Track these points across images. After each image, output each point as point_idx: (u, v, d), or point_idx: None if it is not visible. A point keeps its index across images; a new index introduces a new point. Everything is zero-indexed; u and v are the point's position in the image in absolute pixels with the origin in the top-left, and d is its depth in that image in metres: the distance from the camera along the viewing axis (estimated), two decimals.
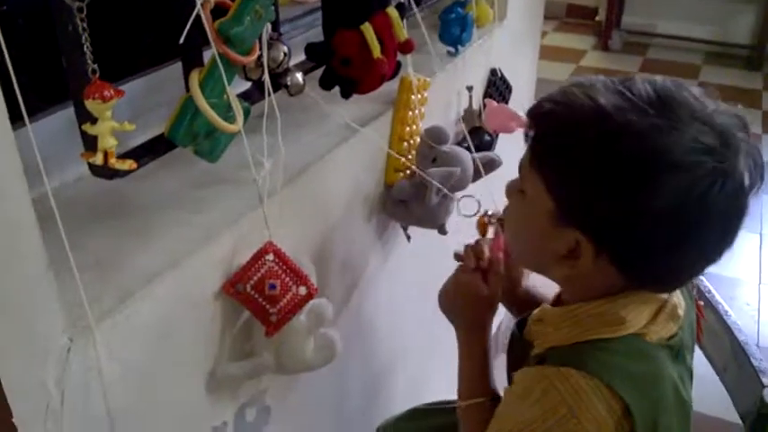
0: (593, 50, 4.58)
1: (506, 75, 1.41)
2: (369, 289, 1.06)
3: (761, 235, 2.62)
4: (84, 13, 0.49)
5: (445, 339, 1.37)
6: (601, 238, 0.68)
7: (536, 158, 0.71)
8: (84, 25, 0.50)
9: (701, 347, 1.01)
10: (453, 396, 1.07)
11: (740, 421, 0.96)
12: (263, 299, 0.70)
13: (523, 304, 0.93)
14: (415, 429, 1.17)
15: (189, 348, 0.68)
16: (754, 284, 2.34)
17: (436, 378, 1.45)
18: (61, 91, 0.68)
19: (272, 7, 0.63)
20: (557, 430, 0.69)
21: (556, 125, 0.69)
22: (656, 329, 0.74)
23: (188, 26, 0.56)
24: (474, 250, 0.89)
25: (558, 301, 0.85)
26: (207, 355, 0.71)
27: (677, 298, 0.77)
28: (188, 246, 0.66)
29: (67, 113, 0.74)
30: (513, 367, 0.86)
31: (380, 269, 1.09)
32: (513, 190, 0.78)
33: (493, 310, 0.90)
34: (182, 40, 0.56)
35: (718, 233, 0.67)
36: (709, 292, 1.05)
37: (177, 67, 0.81)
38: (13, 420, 0.48)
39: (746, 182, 0.65)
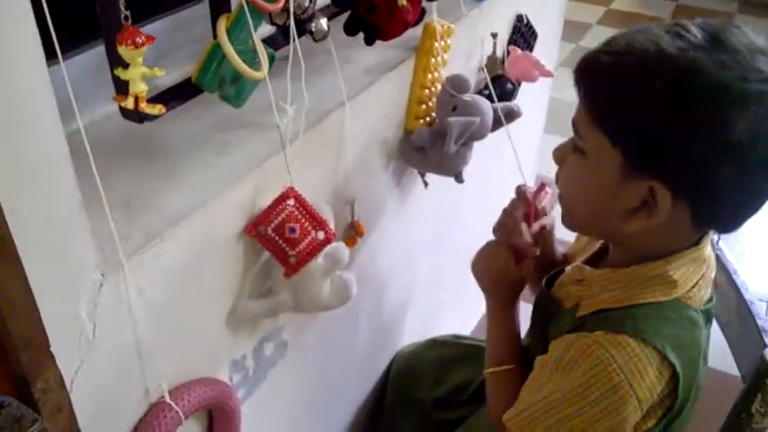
0: None
1: (532, 20, 1.39)
2: (384, 232, 1.08)
3: None
4: None
5: (454, 281, 1.42)
6: (678, 181, 0.68)
7: (596, 113, 0.70)
8: None
9: None
10: (462, 331, 1.11)
11: (738, 374, 0.98)
12: (284, 241, 0.72)
13: (546, 267, 0.95)
14: (434, 357, 1.22)
15: (212, 286, 0.72)
16: None
17: (445, 316, 1.49)
18: (88, 30, 0.70)
19: None
20: (607, 399, 0.71)
21: (619, 75, 0.68)
22: (698, 293, 0.76)
23: None
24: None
25: (596, 259, 0.86)
26: (229, 293, 0.74)
27: (713, 260, 0.79)
28: (213, 188, 0.68)
29: (95, 53, 0.75)
30: (540, 323, 0.88)
31: (396, 214, 1.11)
32: (565, 153, 0.77)
33: (520, 291, 0.92)
34: None
35: None
36: (720, 249, 1.07)
37: (200, 7, 0.82)
38: (51, 349, 0.51)
39: None
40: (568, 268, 0.86)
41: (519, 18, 1.34)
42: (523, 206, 0.90)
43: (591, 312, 0.77)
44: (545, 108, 1.89)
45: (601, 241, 0.86)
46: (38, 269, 0.48)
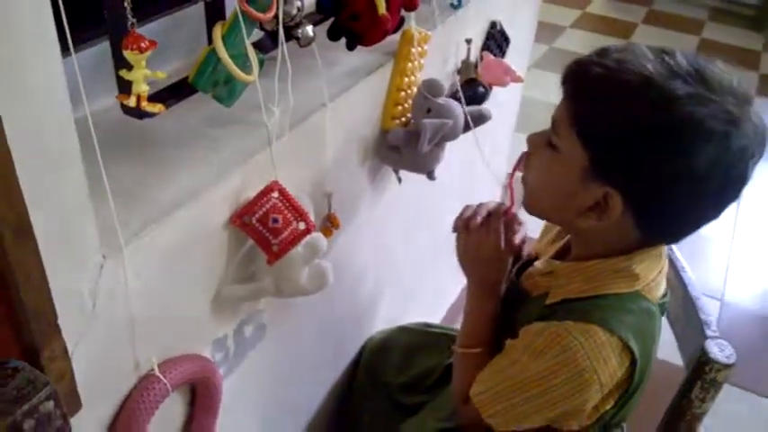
0: None
1: (506, 26, 1.46)
2: (359, 224, 1.15)
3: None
4: None
5: (424, 271, 1.49)
6: (632, 195, 0.74)
7: (576, 117, 0.76)
8: None
9: None
10: (431, 319, 1.17)
11: (683, 365, 1.07)
12: (267, 231, 0.78)
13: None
14: (403, 344, 1.28)
15: (199, 270, 0.77)
16: (726, 242, 2.45)
17: (415, 305, 1.57)
18: (84, 30, 0.74)
19: None
20: (572, 382, 0.77)
21: (605, 90, 0.73)
22: (656, 288, 0.84)
23: None
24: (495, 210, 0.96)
25: (562, 255, 0.93)
26: (214, 277, 0.80)
27: (666, 258, 0.87)
28: (203, 180, 0.74)
29: (91, 51, 0.80)
30: (507, 310, 0.95)
31: (371, 207, 1.18)
32: (540, 143, 0.82)
33: (507, 269, 0.97)
34: None
35: (729, 195, 0.75)
36: (671, 248, 1.15)
37: (193, 8, 0.88)
38: (58, 322, 0.57)
39: (755, 149, 0.73)
40: (538, 262, 0.93)
41: (493, 24, 1.41)
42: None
43: (559, 301, 0.84)
44: (517, 106, 1.97)
45: (565, 239, 0.94)
46: (49, 249, 0.54)
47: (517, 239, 0.97)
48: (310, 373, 1.20)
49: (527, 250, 1.06)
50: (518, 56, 1.67)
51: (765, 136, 0.74)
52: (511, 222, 0.97)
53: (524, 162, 0.87)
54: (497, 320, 0.97)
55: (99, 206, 0.61)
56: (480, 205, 0.98)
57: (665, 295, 0.87)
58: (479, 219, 0.96)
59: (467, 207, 0.99)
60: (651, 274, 0.83)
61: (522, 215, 0.97)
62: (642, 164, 0.72)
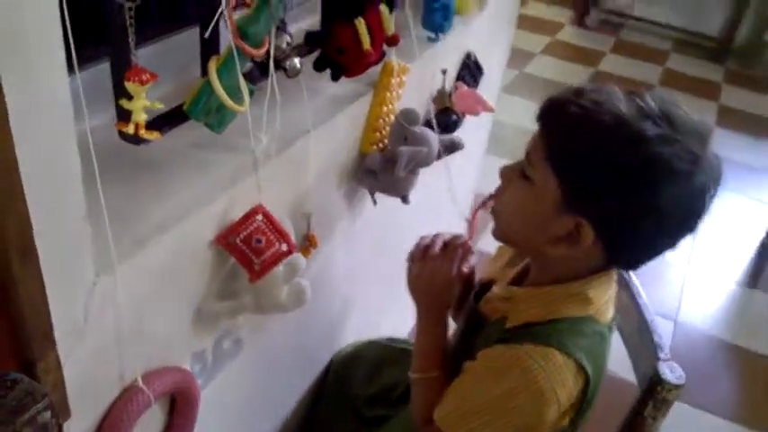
0: (569, 25, 4.68)
1: (480, 57, 1.53)
2: (335, 244, 1.19)
3: None
4: (133, 11, 0.60)
5: (394, 288, 1.54)
6: (603, 226, 0.80)
7: (553, 152, 0.80)
8: (132, 21, 0.60)
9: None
10: (399, 333, 1.21)
11: (636, 383, 1.13)
12: (250, 251, 0.82)
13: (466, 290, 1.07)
14: (370, 357, 1.32)
15: (183, 287, 0.81)
16: (682, 266, 2.55)
17: (384, 319, 1.62)
18: (87, 49, 0.78)
19: (283, 7, 0.73)
20: (534, 402, 0.81)
21: (581, 127, 0.78)
22: (606, 311, 0.89)
23: (212, 24, 0.67)
24: (451, 243, 1.01)
25: (518, 279, 0.97)
26: (197, 293, 0.83)
27: (615, 282, 0.93)
28: (192, 202, 0.78)
29: (87, 73, 0.84)
30: (467, 334, 0.99)
31: (347, 228, 1.22)
32: (513, 175, 0.87)
33: (455, 296, 1.03)
34: (207, 35, 0.67)
35: (688, 227, 0.81)
36: (627, 272, 1.21)
37: (182, 36, 0.92)
38: (55, 334, 0.60)
39: (714, 184, 0.79)
40: (495, 288, 0.99)
41: (468, 55, 1.48)
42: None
43: (518, 325, 0.88)
44: (488, 130, 2.03)
45: (521, 266, 0.99)
46: (49, 269, 0.57)
47: (465, 269, 1.03)
48: (282, 383, 1.24)
49: (478, 276, 1.11)
50: (491, 83, 1.74)
51: (721, 172, 0.81)
52: (466, 253, 1.02)
53: (495, 192, 0.92)
54: (447, 344, 1.01)
55: (93, 226, 0.64)
56: (437, 235, 1.03)
57: (613, 318, 0.93)
58: (437, 248, 1.01)
59: (422, 237, 1.05)
60: (603, 298, 0.88)
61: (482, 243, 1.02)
62: (613, 198, 0.78)
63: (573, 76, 4.00)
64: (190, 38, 0.91)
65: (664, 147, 0.75)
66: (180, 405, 0.85)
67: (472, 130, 1.57)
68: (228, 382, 0.99)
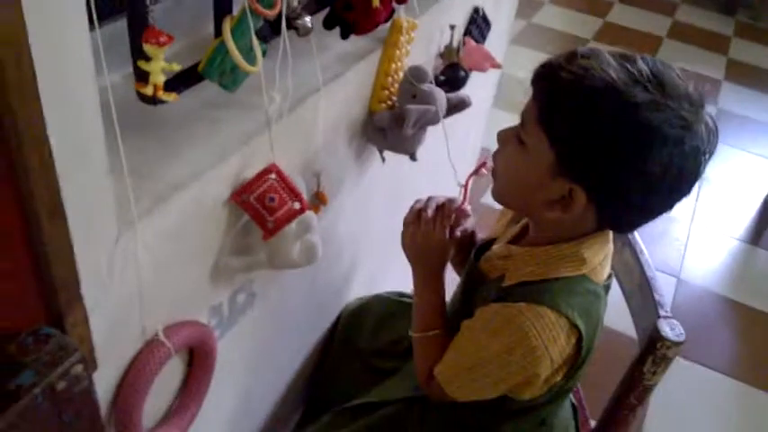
0: None
1: (488, 10, 1.51)
2: (344, 200, 1.21)
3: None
4: None
5: (399, 246, 1.57)
6: (595, 190, 0.82)
7: (545, 116, 0.82)
8: None
9: (615, 274, 1.20)
10: (405, 287, 1.24)
11: (636, 338, 1.17)
12: (264, 208, 0.84)
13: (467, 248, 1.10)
14: (377, 311, 1.36)
15: (200, 243, 0.83)
16: (686, 223, 2.58)
17: (390, 274, 1.65)
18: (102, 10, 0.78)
19: None
20: (526, 358, 0.85)
21: (571, 93, 0.79)
22: (601, 271, 0.92)
23: None
24: (443, 207, 1.03)
25: (518, 238, 1.00)
26: (213, 249, 0.86)
27: (611, 242, 0.95)
28: (207, 161, 0.79)
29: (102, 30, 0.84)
30: (467, 291, 1.02)
31: (356, 184, 1.24)
32: (509, 138, 0.89)
33: (449, 257, 1.05)
34: None
35: (681, 191, 0.83)
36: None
37: None
38: (81, 291, 0.63)
39: (707, 148, 0.80)
40: (495, 246, 1.01)
41: (476, 10, 1.47)
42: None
43: (515, 284, 0.91)
44: (495, 83, 2.03)
45: (520, 225, 1.01)
46: (75, 226, 0.59)
47: (458, 232, 1.05)
48: (293, 336, 1.28)
49: (484, 233, 1.14)
50: (499, 37, 1.73)
51: (717, 135, 0.82)
52: (459, 216, 1.05)
53: (493, 156, 0.94)
54: (445, 303, 1.04)
55: (114, 184, 0.66)
56: (430, 199, 1.06)
57: (609, 276, 0.96)
58: (430, 212, 1.03)
59: (417, 201, 1.07)
60: (597, 258, 0.91)
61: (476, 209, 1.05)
62: (603, 163, 0.79)
63: (581, 26, 3.95)
64: None
65: (654, 113, 0.76)
66: (198, 357, 0.88)
67: (479, 85, 1.57)
68: (243, 335, 1.03)
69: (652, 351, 1.05)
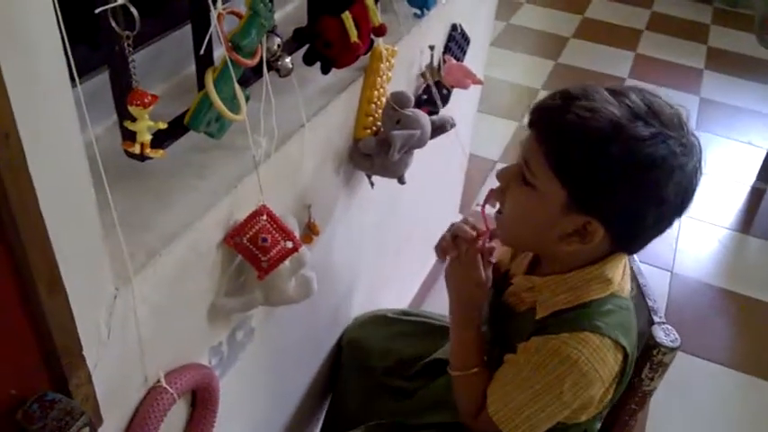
0: None
1: (465, 27, 1.53)
2: (336, 227, 1.22)
3: None
4: (131, 39, 0.62)
5: (393, 263, 1.58)
6: (611, 222, 0.85)
7: (554, 160, 0.84)
8: (131, 48, 0.62)
9: None
10: (400, 303, 1.24)
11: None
12: (257, 249, 0.85)
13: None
14: (383, 332, 1.37)
15: (196, 288, 0.84)
16: None
17: (385, 292, 1.67)
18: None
19: (272, 15, 0.75)
20: (579, 384, 0.88)
21: (580, 136, 0.82)
22: (625, 286, 0.95)
23: (206, 39, 0.69)
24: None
25: (533, 268, 1.01)
26: (209, 292, 0.87)
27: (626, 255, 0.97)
28: (197, 208, 0.80)
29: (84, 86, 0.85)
30: (497, 325, 1.03)
31: (347, 210, 1.25)
32: (513, 179, 0.90)
33: (486, 294, 1.05)
34: (201, 51, 0.69)
35: (686, 206, 0.87)
36: None
37: (172, 37, 0.93)
38: (83, 353, 0.64)
39: (699, 165, 0.85)
40: (516, 280, 1.02)
41: (454, 27, 1.48)
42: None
43: (549, 315, 0.93)
44: (479, 89, 2.04)
45: (531, 254, 1.03)
46: (73, 292, 0.61)
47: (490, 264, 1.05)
48: (295, 363, 1.29)
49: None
50: (480, 48, 1.75)
51: (701, 149, 0.86)
52: (489, 254, 1.04)
53: (496, 195, 0.95)
54: (483, 339, 1.04)
55: (108, 240, 0.67)
56: (459, 229, 1.03)
57: (631, 290, 0.99)
58: (464, 246, 1.01)
59: (451, 225, 1.05)
60: (619, 276, 0.94)
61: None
62: (617, 197, 0.83)
63: (560, 25, 3.98)
64: (177, 38, 0.93)
65: (659, 146, 0.80)
66: (201, 397, 0.89)
67: (463, 93, 1.59)
68: (244, 370, 1.04)
69: (649, 357, 1.07)
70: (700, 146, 0.85)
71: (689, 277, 2.33)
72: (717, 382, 1.99)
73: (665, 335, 1.05)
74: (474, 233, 1.02)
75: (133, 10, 0.60)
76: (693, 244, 2.48)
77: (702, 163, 0.85)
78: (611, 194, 0.83)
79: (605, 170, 0.81)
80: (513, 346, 0.95)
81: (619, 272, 0.94)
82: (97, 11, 0.58)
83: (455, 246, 1.03)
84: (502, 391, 0.96)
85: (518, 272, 1.04)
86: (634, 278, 1.19)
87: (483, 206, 1.00)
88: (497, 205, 0.98)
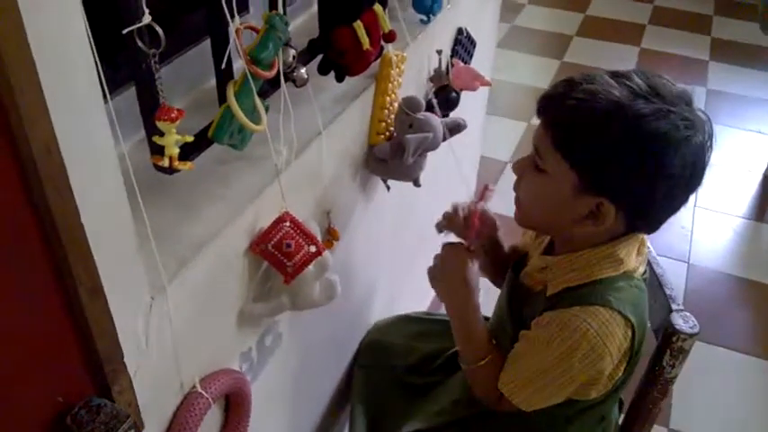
0: None
1: (471, 30, 1.56)
2: (355, 231, 1.25)
3: None
4: (157, 57, 0.65)
5: (411, 264, 1.61)
6: (621, 200, 0.87)
7: (561, 143, 0.87)
8: (157, 65, 0.65)
9: None
10: (420, 305, 1.26)
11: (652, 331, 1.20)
12: (282, 255, 0.88)
13: (501, 260, 1.13)
14: (405, 331, 1.40)
15: (225, 295, 0.87)
16: (689, 208, 2.60)
17: (405, 294, 1.69)
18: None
19: (288, 29, 0.78)
20: (588, 357, 0.89)
21: (583, 117, 0.84)
22: (638, 266, 0.97)
23: (226, 54, 0.72)
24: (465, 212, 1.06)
25: (549, 248, 1.04)
26: (238, 298, 0.90)
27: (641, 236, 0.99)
28: (223, 216, 0.83)
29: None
30: (514, 306, 1.05)
31: (364, 214, 1.28)
32: (526, 167, 0.94)
33: (476, 283, 1.05)
34: (223, 65, 0.72)
35: (697, 182, 0.88)
36: None
37: (193, 51, 0.96)
38: (124, 360, 0.67)
39: (709, 136, 0.87)
40: (531, 261, 1.04)
41: (460, 31, 1.51)
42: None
43: (559, 291, 0.95)
44: (486, 90, 2.06)
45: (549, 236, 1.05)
46: (113, 300, 0.64)
47: (472, 246, 1.06)
48: (320, 367, 1.32)
49: (509, 246, 1.17)
50: (485, 59, 1.77)
51: (711, 125, 0.88)
52: (482, 219, 1.08)
53: (514, 187, 0.98)
54: (486, 328, 1.06)
55: (142, 252, 0.70)
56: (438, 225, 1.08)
57: (644, 272, 1.00)
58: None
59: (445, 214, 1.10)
60: (632, 257, 0.95)
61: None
62: (626, 176, 0.85)
63: (563, 23, 3.99)
64: (193, 54, 0.96)
65: (660, 120, 0.82)
66: (234, 402, 0.92)
67: (471, 96, 1.61)
68: (273, 374, 1.07)
69: (669, 344, 1.08)
70: (710, 122, 0.87)
71: (705, 267, 2.33)
72: (739, 370, 1.99)
73: (683, 321, 1.07)
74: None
75: (158, 29, 0.62)
76: (708, 234, 2.48)
77: (713, 139, 0.87)
78: (618, 172, 0.84)
79: (609, 148, 0.83)
80: (529, 326, 0.97)
81: (632, 253, 0.95)
82: (125, 31, 0.61)
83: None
84: (515, 365, 0.97)
85: (535, 254, 1.06)
86: (651, 268, 1.21)
87: (477, 203, 1.03)
88: (491, 199, 1.02)
